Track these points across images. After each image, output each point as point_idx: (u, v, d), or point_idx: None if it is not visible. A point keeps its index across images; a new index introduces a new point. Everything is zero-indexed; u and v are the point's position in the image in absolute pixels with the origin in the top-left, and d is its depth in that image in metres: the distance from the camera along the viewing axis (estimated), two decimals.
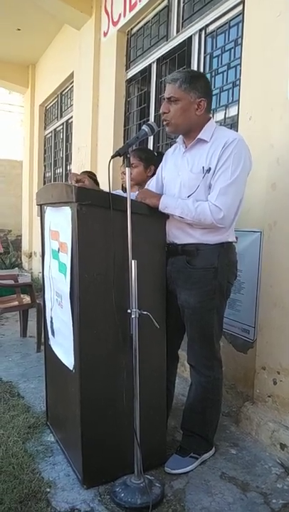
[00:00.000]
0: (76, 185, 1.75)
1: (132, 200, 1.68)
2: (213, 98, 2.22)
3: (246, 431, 2.23)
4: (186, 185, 1.79)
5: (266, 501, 1.72)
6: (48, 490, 1.73)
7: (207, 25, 3.00)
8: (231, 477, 1.87)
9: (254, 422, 2.18)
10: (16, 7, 4.97)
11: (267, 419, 2.12)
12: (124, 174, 1.91)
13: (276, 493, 1.76)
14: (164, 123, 1.82)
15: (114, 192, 1.96)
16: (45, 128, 7.10)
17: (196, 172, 1.76)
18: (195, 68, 3.06)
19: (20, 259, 7.88)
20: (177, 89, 1.74)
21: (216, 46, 2.96)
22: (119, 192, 2.33)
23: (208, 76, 2.88)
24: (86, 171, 3.67)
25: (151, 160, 2.45)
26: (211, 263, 1.78)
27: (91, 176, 3.24)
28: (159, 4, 3.55)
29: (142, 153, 2.52)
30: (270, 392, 2.13)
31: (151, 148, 3.67)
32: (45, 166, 7.13)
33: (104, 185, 2.00)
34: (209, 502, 1.70)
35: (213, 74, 2.95)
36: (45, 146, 7.13)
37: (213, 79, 2.93)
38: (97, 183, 2.88)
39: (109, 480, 1.77)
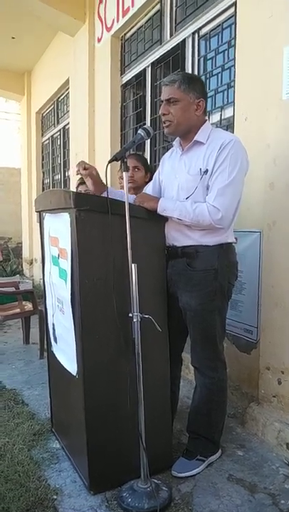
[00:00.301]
0: (83, 173, 1.79)
1: (130, 204, 1.69)
2: (209, 100, 2.23)
3: (252, 432, 2.22)
4: (183, 188, 1.79)
5: (274, 502, 1.71)
6: (55, 497, 1.72)
7: (200, 28, 3.01)
8: (239, 479, 1.86)
9: (260, 422, 2.18)
10: (10, 15, 5.00)
11: (273, 420, 2.11)
12: (122, 179, 1.92)
13: (284, 494, 1.75)
14: (164, 125, 1.83)
15: (118, 191, 1.96)
16: (42, 135, 7.12)
17: (194, 174, 1.76)
18: (189, 71, 3.07)
19: (21, 267, 7.88)
20: (176, 90, 1.76)
21: (210, 48, 2.97)
22: (122, 192, 2.34)
23: (202, 78, 2.89)
24: None
25: (149, 167, 2.59)
26: (211, 264, 1.78)
27: None
28: (152, 9, 3.57)
29: (143, 159, 2.65)
30: (274, 392, 2.12)
31: (149, 152, 3.69)
32: (43, 172, 7.15)
33: None
34: (217, 505, 1.69)
35: (208, 76, 2.96)
36: (42, 152, 7.15)
37: (207, 81, 2.94)
38: None
39: (115, 485, 1.76)
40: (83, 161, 1.86)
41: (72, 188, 4.70)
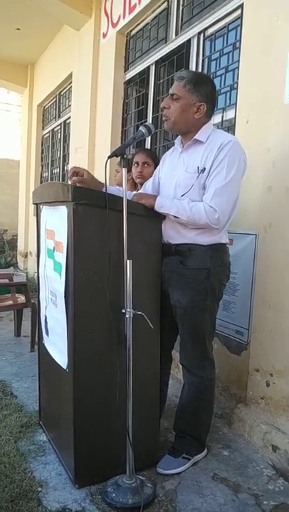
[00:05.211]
0: (75, 178, 1.76)
1: (128, 200, 1.69)
2: None
3: (239, 432, 2.23)
4: (180, 185, 1.80)
5: (257, 503, 1.72)
6: (40, 489, 1.73)
7: (206, 29, 3.01)
8: (223, 478, 1.87)
9: (247, 423, 2.19)
10: (16, 7, 4.97)
11: (259, 421, 2.13)
12: (118, 172, 1.91)
13: (267, 495, 1.77)
14: (164, 118, 1.84)
15: (113, 188, 1.95)
16: (42, 128, 7.10)
17: (191, 172, 1.77)
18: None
19: (16, 259, 7.85)
20: (182, 88, 1.76)
21: (215, 49, 2.98)
22: (117, 188, 2.35)
23: None
24: None
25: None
26: (203, 264, 1.79)
27: None
28: (159, 7, 3.56)
29: (153, 154, 2.59)
30: (262, 394, 2.14)
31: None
32: (42, 165, 7.13)
33: None
34: (201, 503, 1.70)
35: (211, 77, 2.96)
36: (42, 146, 7.13)
37: None
38: None
39: (100, 480, 1.77)
40: (74, 166, 1.86)
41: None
